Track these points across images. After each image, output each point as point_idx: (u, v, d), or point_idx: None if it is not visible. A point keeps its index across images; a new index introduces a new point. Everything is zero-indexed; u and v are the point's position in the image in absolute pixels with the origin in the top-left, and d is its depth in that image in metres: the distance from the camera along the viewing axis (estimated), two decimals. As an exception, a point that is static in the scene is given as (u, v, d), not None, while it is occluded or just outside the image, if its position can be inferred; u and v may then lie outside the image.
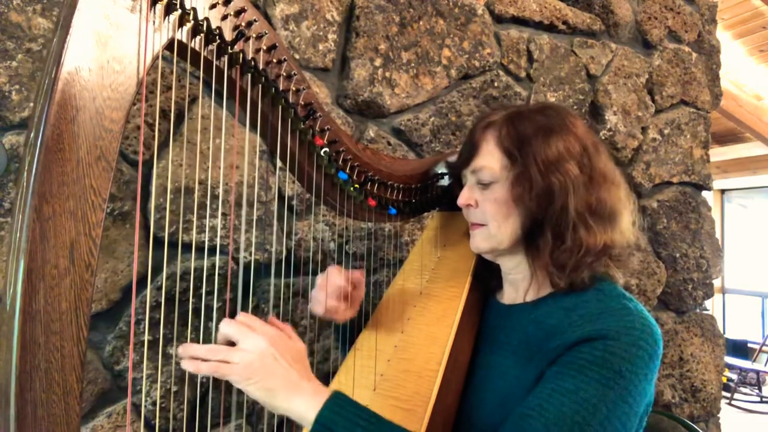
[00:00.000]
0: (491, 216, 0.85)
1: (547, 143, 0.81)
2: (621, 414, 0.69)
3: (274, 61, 0.79)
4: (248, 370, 0.67)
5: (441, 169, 1.06)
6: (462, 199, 0.88)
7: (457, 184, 0.95)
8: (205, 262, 1.19)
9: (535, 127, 0.83)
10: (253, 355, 0.67)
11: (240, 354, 0.67)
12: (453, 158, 1.00)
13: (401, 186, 0.99)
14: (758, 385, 5.44)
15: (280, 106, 0.80)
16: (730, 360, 5.18)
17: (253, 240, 1.22)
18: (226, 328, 0.69)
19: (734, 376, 5.28)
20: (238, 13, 0.73)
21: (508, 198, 0.83)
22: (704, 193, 1.98)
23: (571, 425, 0.67)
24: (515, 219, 0.83)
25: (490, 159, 0.84)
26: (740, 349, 5.68)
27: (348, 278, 0.95)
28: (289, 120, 0.82)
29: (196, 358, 0.67)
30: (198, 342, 0.69)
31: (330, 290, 0.94)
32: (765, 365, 5.47)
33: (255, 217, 1.23)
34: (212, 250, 1.20)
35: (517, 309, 0.89)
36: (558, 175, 0.80)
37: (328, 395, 0.69)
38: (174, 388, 1.15)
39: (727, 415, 3.46)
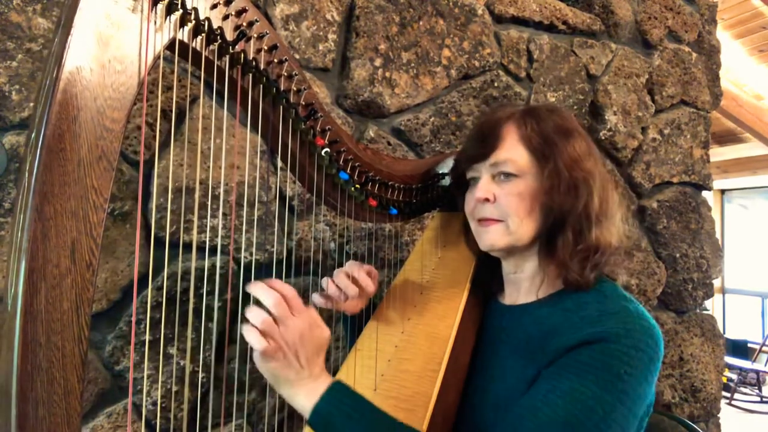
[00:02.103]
0: (513, 211, 0.82)
1: (568, 142, 0.83)
2: (619, 416, 0.69)
3: (275, 61, 0.79)
4: (274, 354, 0.68)
5: (442, 169, 1.06)
6: (481, 192, 0.84)
7: (456, 184, 0.95)
8: (206, 262, 1.19)
9: (555, 126, 0.84)
10: (284, 344, 0.69)
11: (278, 336, 0.68)
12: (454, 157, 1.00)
13: (402, 186, 0.99)
14: (758, 385, 5.44)
15: (281, 106, 0.80)
16: (730, 360, 5.18)
17: (254, 240, 1.22)
18: (271, 302, 0.69)
19: (734, 376, 5.28)
20: (240, 13, 0.73)
21: (534, 192, 0.82)
22: (704, 193, 1.98)
23: (563, 426, 0.67)
24: (537, 215, 0.83)
25: (515, 152, 0.83)
26: (740, 349, 5.69)
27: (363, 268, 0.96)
28: (290, 120, 0.82)
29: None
30: (198, 344, 0.70)
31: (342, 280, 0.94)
32: (765, 365, 5.47)
33: (255, 217, 1.22)
34: (212, 250, 1.20)
35: (518, 309, 0.89)
36: (582, 173, 0.81)
37: (326, 386, 0.70)
38: (174, 388, 1.15)
39: (727, 415, 3.46)
